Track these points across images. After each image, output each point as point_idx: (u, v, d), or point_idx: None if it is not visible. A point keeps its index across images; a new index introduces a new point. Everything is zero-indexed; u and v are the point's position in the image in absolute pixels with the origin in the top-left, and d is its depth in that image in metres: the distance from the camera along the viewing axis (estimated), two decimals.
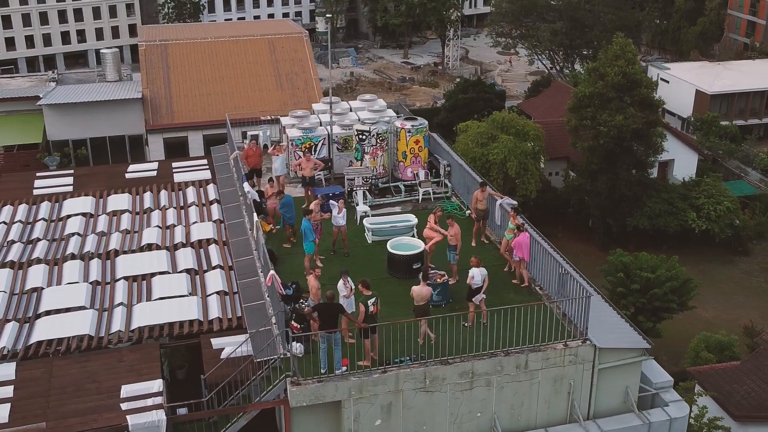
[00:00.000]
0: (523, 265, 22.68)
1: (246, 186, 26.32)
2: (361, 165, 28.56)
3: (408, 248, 23.61)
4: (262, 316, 21.44)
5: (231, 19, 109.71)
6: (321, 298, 20.19)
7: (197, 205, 28.65)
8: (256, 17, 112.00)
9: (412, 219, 25.69)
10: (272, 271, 20.97)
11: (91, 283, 23.66)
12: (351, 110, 31.55)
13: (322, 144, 29.63)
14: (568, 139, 59.17)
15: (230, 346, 20.64)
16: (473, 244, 24.88)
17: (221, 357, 20.37)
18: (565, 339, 20.10)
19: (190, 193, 29.59)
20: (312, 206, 24.09)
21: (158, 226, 27.10)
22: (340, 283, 20.18)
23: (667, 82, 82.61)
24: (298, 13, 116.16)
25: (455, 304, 21.90)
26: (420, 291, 19.91)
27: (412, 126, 28.56)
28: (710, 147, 67.53)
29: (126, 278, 23.90)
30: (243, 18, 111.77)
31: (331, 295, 19.18)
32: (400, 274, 23.29)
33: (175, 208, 28.54)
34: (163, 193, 29.77)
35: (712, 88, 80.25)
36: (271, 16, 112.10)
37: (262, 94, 47.02)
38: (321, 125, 30.18)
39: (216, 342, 20.96)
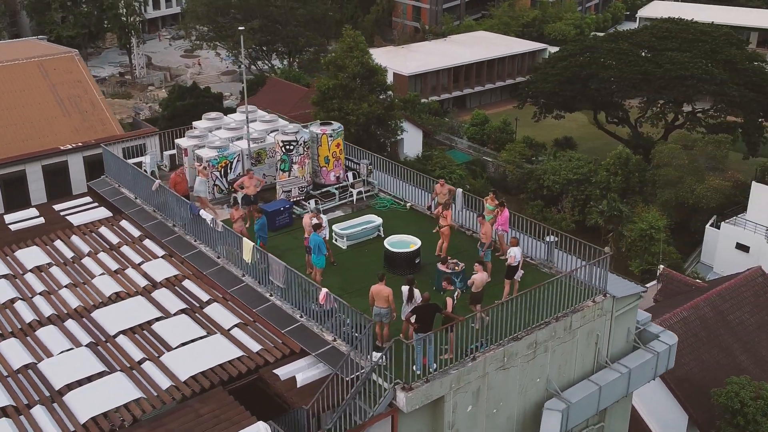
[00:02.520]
0: (503, 238, 24.87)
1: (203, 213, 25.22)
2: (289, 176, 28.48)
3: (405, 246, 24.57)
4: (311, 335, 21.27)
5: None
6: None
7: (127, 245, 26.62)
8: None
9: (377, 219, 26.51)
10: (325, 289, 20.93)
11: (87, 345, 21.44)
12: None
13: (237, 161, 28.98)
14: None
15: (300, 372, 20.37)
16: (435, 230, 26.45)
17: (299, 386, 20.08)
18: (592, 296, 22.72)
19: (107, 234, 27.30)
20: (317, 220, 23.90)
21: (104, 274, 24.89)
22: (405, 289, 20.76)
23: None
24: None
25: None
26: (480, 278, 21.28)
27: (333, 130, 29.08)
28: (422, 123, 73.72)
29: (123, 332, 21.97)
30: None
31: (427, 296, 19.86)
32: (401, 271, 24.22)
33: (104, 251, 26.25)
34: (76, 239, 27.11)
35: (408, 69, 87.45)
36: None
37: (49, 122, 42.99)
38: (231, 142, 29.45)
39: (281, 372, 20.43)
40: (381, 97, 62.85)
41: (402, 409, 19.22)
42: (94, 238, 27.14)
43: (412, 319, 19.63)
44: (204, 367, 20.38)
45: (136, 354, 21.08)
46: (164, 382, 19.97)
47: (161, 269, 25.07)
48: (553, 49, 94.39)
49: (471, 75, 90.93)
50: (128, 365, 20.69)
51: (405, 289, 20.70)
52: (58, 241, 27.09)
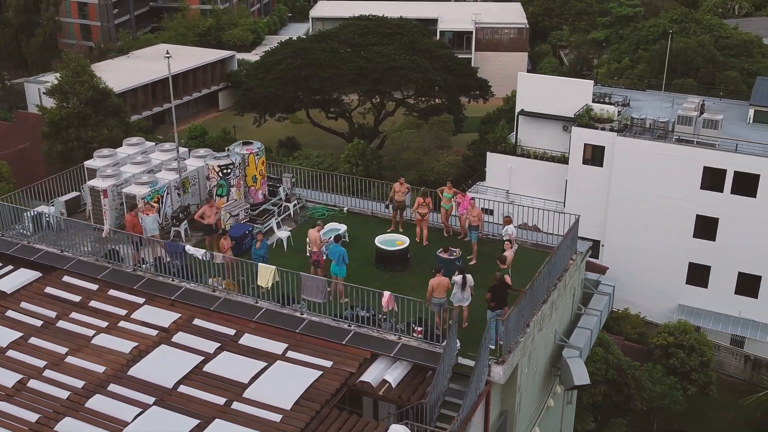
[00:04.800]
0: (465, 221, 27.48)
1: (191, 249, 24.29)
2: (227, 200, 28.03)
3: (394, 244, 25.99)
4: (375, 340, 22.13)
5: None
6: None
7: (93, 300, 24.52)
8: None
9: (342, 227, 27.39)
10: (388, 292, 21.94)
11: (155, 404, 20.12)
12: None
13: (167, 193, 27.77)
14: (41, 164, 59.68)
15: (386, 374, 21.28)
16: (392, 229, 28.15)
17: (394, 386, 20.99)
18: (575, 253, 26.28)
19: (60, 293, 24.81)
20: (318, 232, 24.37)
21: (98, 333, 22.93)
22: (459, 278, 22.44)
23: None
24: None
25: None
26: (510, 255, 23.78)
27: (258, 149, 29.07)
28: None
29: (181, 382, 20.89)
30: None
31: (498, 276, 21.79)
32: (395, 268, 25.69)
33: (75, 311, 23.97)
34: (28, 305, 24.26)
35: (122, 86, 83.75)
36: None
37: None
38: (154, 174, 28.05)
39: (369, 379, 21.11)
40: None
41: (498, 381, 21.17)
42: (50, 300, 24.63)
43: (488, 297, 21.60)
44: (298, 393, 20.44)
45: (215, 398, 20.38)
46: (272, 416, 19.75)
47: (156, 315, 23.78)
48: (241, 56, 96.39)
49: (168, 89, 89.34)
50: (219, 410, 19.97)
51: (459, 278, 22.43)
52: (10, 311, 24.14)
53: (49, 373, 21.33)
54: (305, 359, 21.76)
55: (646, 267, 52.94)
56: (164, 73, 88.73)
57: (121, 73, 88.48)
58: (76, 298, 24.69)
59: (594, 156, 55.55)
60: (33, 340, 22.74)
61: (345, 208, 29.69)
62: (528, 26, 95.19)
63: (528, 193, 57.50)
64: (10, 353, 22.23)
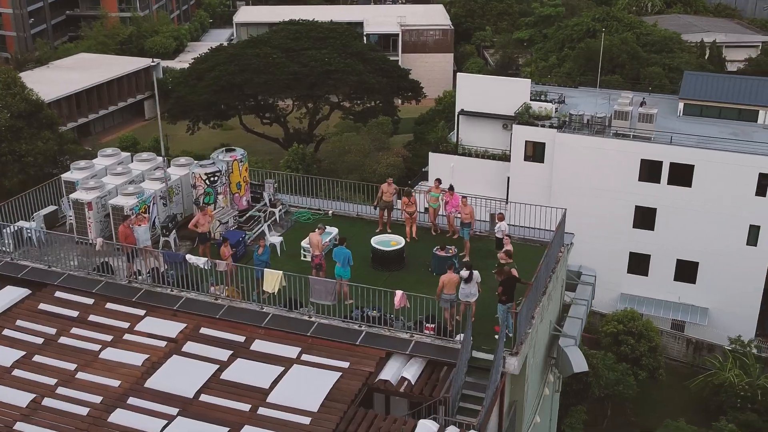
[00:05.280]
0: (454, 219, 28.08)
1: (192, 258, 24.11)
2: (215, 207, 27.84)
3: (390, 244, 26.34)
4: (389, 338, 22.46)
5: None
6: None
7: (92, 314, 24.04)
8: None
9: (333, 230, 27.54)
10: (401, 291, 22.32)
11: (179, 414, 19.96)
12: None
13: (153, 203, 27.40)
14: None
15: (404, 372, 21.67)
16: (380, 229, 28.52)
17: (414, 383, 21.39)
18: (562, 245, 27.17)
19: (55, 309, 24.22)
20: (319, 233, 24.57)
21: (104, 347, 22.54)
22: (465, 273, 22.94)
23: None
24: None
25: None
26: (510, 249, 24.45)
27: (242, 155, 28.95)
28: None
29: (202, 391, 20.78)
30: None
31: (508, 270, 22.39)
32: (392, 267, 26.09)
33: (75, 326, 23.47)
34: (24, 323, 23.62)
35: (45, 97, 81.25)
36: None
37: None
38: (136, 184, 27.65)
39: (388, 377, 21.45)
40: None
41: (513, 372, 21.78)
42: (46, 317, 24.04)
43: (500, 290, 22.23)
44: (322, 394, 20.62)
45: (239, 405, 20.39)
46: (301, 419, 19.91)
47: (161, 326, 23.52)
48: (165, 63, 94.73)
49: (92, 99, 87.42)
50: (246, 417, 19.98)
51: (465, 273, 22.95)
52: (6, 330, 23.46)
53: (62, 391, 20.89)
54: (321, 361, 21.94)
55: (589, 259, 54.56)
56: (87, 83, 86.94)
57: (42, 85, 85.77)
58: (74, 313, 24.18)
59: (535, 152, 56.99)
60: (38, 358, 22.20)
61: (330, 212, 29.88)
62: (452, 27, 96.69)
63: (471, 190, 58.52)
64: (17, 372, 21.66)
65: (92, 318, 23.98)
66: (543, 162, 56.35)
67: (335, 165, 67.50)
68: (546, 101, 58.47)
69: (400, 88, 77.09)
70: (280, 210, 29.47)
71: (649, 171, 52.51)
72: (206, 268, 24.06)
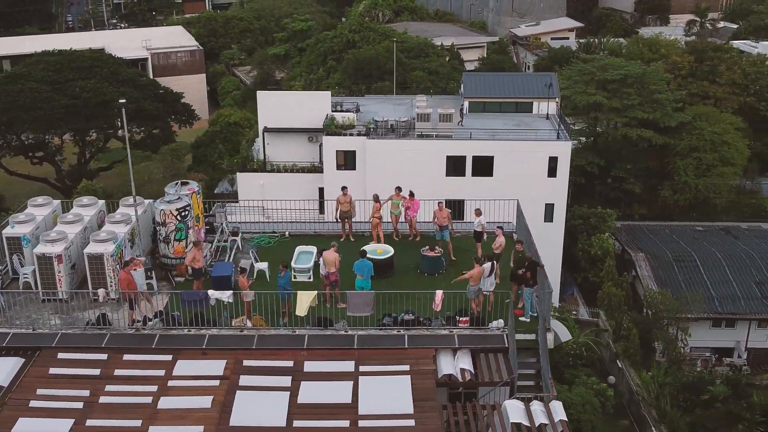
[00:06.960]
0: (414, 221, 29.75)
1: (215, 294, 23.47)
2: (186, 243, 26.86)
3: (374, 253, 27.33)
4: (432, 337, 23.74)
5: None
6: None
7: (116, 368, 22.46)
8: None
9: (314, 248, 27.79)
10: (440, 291, 23.68)
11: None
12: None
13: (123, 247, 25.85)
14: None
15: (459, 364, 23.12)
16: (344, 239, 29.32)
17: (474, 372, 22.96)
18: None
19: (71, 371, 22.28)
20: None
21: (155, 397, 21.36)
22: (488, 265, 24.72)
23: None
24: None
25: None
26: (500, 240, 26.56)
27: (198, 187, 28.11)
28: None
29: (293, 417, 20.67)
30: None
31: (529, 256, 24.50)
32: (384, 274, 27.16)
33: (108, 383, 21.83)
34: (54, 391, 21.48)
35: None
36: None
37: None
38: (104, 229, 25.86)
39: (449, 370, 22.79)
40: None
41: (550, 346, 24.06)
42: (67, 381, 22.03)
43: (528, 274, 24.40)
44: (408, 397, 21.47)
45: (337, 423, 20.66)
46: (406, 422, 20.72)
47: (200, 367, 22.70)
48: None
49: None
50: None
51: (488, 265, 24.79)
52: (32, 402, 21.26)
53: None
54: (382, 369, 22.67)
55: None
56: None
57: None
58: (95, 371, 22.48)
59: (346, 161, 59.38)
60: (94, 422, 20.56)
61: (287, 232, 30.04)
62: (201, 48, 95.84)
63: (285, 205, 59.78)
64: None
65: (119, 372, 22.51)
66: (355, 169, 58.83)
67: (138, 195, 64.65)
68: (344, 111, 61.04)
69: (175, 112, 75.57)
70: (242, 238, 29.12)
71: (455, 166, 57.09)
72: (230, 301, 23.61)
